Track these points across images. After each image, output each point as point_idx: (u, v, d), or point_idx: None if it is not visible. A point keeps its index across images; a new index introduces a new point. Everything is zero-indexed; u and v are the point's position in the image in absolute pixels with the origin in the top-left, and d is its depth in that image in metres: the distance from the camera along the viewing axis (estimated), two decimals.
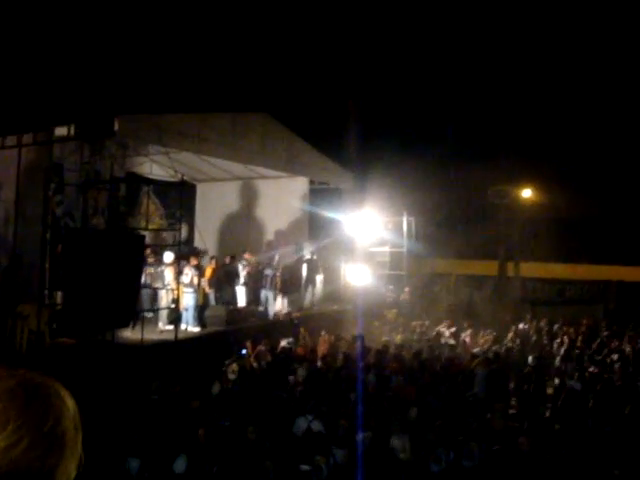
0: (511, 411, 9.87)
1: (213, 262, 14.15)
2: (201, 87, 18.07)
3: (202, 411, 8.76)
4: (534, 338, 15.21)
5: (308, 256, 16.25)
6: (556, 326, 16.42)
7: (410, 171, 22.06)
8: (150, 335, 11.53)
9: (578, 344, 14.14)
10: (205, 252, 14.95)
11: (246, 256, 14.62)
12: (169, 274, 12.31)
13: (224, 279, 14.00)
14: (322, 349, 12.83)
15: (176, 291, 12.15)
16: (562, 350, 13.49)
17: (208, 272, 13.73)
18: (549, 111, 22.81)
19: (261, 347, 11.94)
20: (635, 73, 21.48)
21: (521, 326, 16.41)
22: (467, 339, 15.03)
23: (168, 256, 12.45)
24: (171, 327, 12.01)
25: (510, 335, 15.34)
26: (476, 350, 13.70)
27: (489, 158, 23.34)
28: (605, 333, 15.35)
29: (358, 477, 6.43)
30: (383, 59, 22.93)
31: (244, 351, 11.65)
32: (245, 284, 14.39)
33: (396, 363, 11.81)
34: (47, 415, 0.98)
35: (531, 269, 23.69)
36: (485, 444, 7.54)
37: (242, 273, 14.33)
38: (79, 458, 1.04)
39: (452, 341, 14.70)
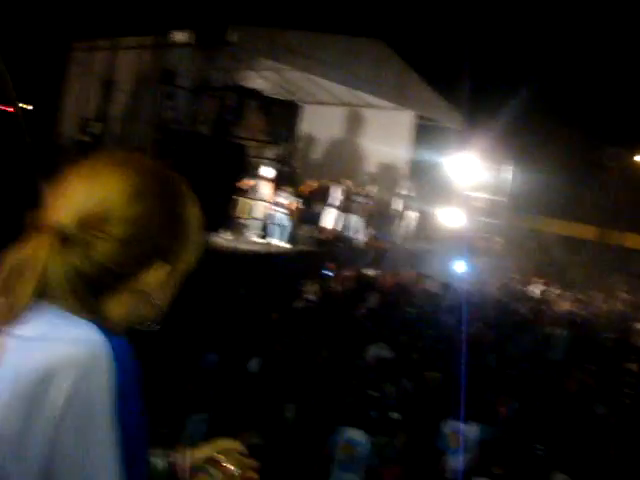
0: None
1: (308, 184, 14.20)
2: (318, 6, 17.79)
3: (281, 324, 9.01)
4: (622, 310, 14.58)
5: (405, 192, 16.06)
6: None
7: (522, 121, 21.15)
8: (242, 245, 11.84)
9: None
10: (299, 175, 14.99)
11: (345, 182, 14.54)
12: (266, 188, 12.49)
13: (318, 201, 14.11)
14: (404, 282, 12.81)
15: (270, 206, 12.36)
16: None
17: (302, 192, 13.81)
18: None
19: (347, 272, 12.05)
20: None
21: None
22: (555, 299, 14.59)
23: (267, 171, 12.60)
24: (262, 240, 12.29)
25: (601, 303, 14.79)
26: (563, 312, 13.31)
27: (610, 116, 22.02)
28: None
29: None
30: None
31: (330, 273, 11.80)
32: (337, 208, 14.38)
33: (478, 309, 11.66)
34: (178, 200, 1.10)
35: (636, 241, 22.51)
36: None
37: (336, 197, 14.34)
38: (198, 252, 1.14)
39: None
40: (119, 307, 1.05)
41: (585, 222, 23.28)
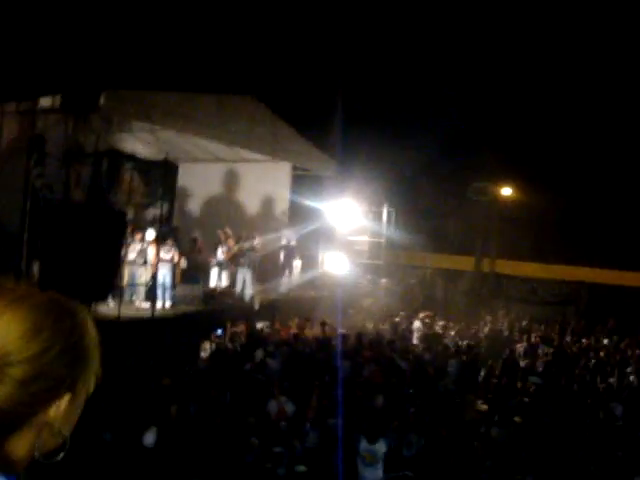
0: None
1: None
2: (189, 67, 17.93)
3: (174, 389, 8.82)
4: (506, 334, 15.48)
5: (287, 242, 16.30)
6: (524, 323, 16.68)
7: (392, 163, 22.17)
8: (127, 311, 11.51)
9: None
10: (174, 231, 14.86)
11: (227, 239, 14.52)
12: (151, 251, 12.29)
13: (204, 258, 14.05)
14: (297, 332, 12.93)
15: (154, 268, 12.16)
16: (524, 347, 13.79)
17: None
18: (534, 111, 22.98)
19: (235, 329, 12.02)
20: (615, 78, 21.73)
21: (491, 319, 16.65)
22: (440, 331, 15.25)
23: (150, 234, 12.41)
24: (147, 305, 12.03)
25: (484, 329, 15.60)
26: (449, 341, 13.93)
27: (472, 154, 23.55)
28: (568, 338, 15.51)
29: (337, 460, 6.59)
30: (370, 49, 22.91)
31: (219, 331, 11.73)
32: (219, 265, 14.35)
33: (370, 351, 11.98)
34: (75, 329, 1.07)
35: (506, 267, 24.02)
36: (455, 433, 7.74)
37: (219, 253, 14.32)
38: (98, 375, 1.12)
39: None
40: (22, 445, 1.02)
41: (460, 253, 24.57)
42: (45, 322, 1.04)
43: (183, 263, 13.27)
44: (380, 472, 7.05)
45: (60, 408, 1.05)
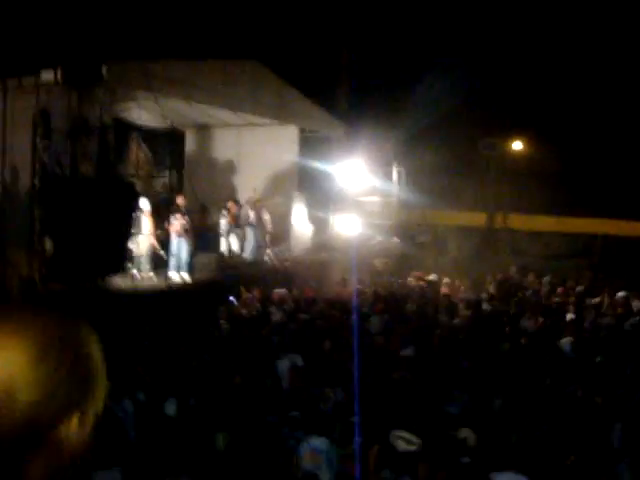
0: None
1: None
2: (190, 33, 17.70)
3: (192, 356, 8.93)
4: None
5: (297, 205, 16.29)
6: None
7: (400, 122, 21.98)
8: (140, 282, 11.63)
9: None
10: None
11: (229, 206, 14.51)
12: (145, 221, 12.25)
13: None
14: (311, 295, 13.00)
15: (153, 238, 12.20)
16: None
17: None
18: (542, 62, 22.58)
19: (247, 295, 12.09)
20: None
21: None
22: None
23: (144, 203, 12.31)
24: (151, 274, 12.13)
25: (491, 285, 15.49)
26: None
27: (480, 110, 23.26)
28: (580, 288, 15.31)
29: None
30: (376, 7, 22.49)
31: (231, 298, 11.82)
32: (227, 231, 14.39)
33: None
34: (80, 350, 1.10)
35: (519, 222, 23.91)
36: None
37: (223, 222, 14.35)
38: (105, 391, 1.14)
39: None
40: (36, 466, 1.04)
41: (472, 210, 24.49)
42: (51, 346, 1.06)
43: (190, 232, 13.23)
44: None
45: (70, 427, 1.07)
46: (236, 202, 14.92)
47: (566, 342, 9.89)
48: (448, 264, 18.99)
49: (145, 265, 12.35)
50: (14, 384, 1.01)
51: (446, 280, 15.10)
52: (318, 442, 5.73)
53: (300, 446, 5.73)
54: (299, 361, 8.67)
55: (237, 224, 14.57)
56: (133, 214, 12.18)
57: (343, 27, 21.97)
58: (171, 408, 7.05)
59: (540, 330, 11.03)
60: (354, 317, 9.90)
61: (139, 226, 12.18)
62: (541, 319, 11.65)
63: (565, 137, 22.54)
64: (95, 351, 1.13)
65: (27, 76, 11.61)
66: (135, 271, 12.21)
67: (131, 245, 12.11)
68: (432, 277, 15.45)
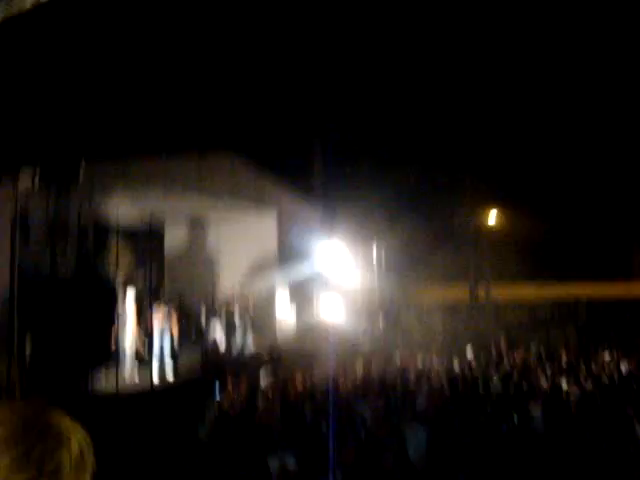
0: None
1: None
2: (164, 128, 18.07)
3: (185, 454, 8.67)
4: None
5: (280, 290, 16.27)
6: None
7: (378, 201, 22.26)
8: (123, 383, 11.36)
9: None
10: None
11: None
12: (131, 318, 12.12)
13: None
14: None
15: (140, 337, 12.05)
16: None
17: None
18: (515, 133, 23.18)
19: (230, 390, 11.85)
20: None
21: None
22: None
23: (129, 300, 12.23)
24: (146, 374, 11.91)
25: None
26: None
27: (455, 183, 23.72)
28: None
29: None
30: (347, 90, 23.12)
31: (217, 393, 11.60)
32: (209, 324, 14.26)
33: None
34: (51, 455, 1.10)
35: (502, 291, 23.90)
36: None
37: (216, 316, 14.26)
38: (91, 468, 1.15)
39: None
40: None
41: (454, 284, 24.50)
42: (19, 443, 1.06)
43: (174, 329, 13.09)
44: None
45: None
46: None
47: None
48: (437, 343, 18.78)
49: (131, 362, 12.14)
50: None
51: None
52: None
53: None
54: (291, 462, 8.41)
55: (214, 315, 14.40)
56: (117, 312, 12.09)
57: (316, 111, 22.48)
58: None
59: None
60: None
61: (124, 323, 12.06)
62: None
63: (540, 203, 22.91)
64: (78, 436, 1.13)
65: (5, 182, 11.72)
66: (122, 368, 12.00)
67: (116, 343, 11.95)
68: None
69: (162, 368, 12.31)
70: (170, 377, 12.34)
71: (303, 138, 22.34)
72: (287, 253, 17.58)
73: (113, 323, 11.60)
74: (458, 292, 24.18)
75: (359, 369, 14.70)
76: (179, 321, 13.45)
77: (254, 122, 21.66)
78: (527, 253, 22.94)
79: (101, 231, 12.22)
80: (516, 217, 23.94)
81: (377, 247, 20.85)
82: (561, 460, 7.78)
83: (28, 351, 10.87)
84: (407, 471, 7.96)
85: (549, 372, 13.66)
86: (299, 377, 13.34)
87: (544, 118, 22.75)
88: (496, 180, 23.17)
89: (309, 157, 22.42)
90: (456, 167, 23.83)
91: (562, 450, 8.18)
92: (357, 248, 20.15)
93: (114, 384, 10.85)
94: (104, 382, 11.18)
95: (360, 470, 7.89)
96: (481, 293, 24.24)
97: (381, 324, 19.42)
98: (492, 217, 24.57)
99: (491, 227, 24.51)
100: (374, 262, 20.67)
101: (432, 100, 22.94)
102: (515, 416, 10.08)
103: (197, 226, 17.58)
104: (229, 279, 17.08)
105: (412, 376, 13.65)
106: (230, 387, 11.99)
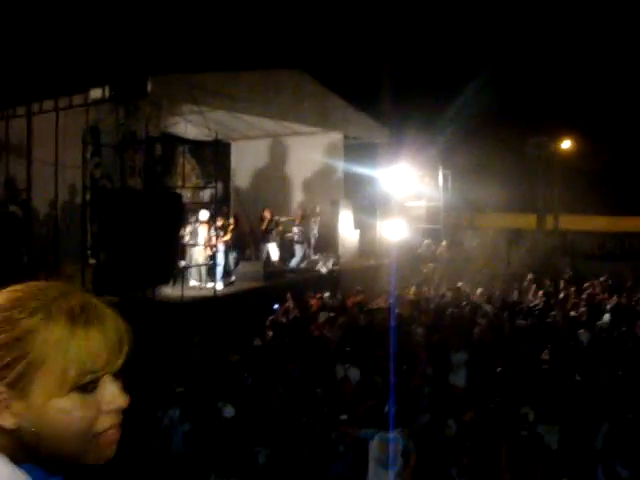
0: None
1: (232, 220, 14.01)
2: (233, 44, 17.99)
3: (242, 364, 9.01)
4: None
5: (344, 211, 16.30)
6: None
7: (446, 124, 21.74)
8: (189, 292, 11.79)
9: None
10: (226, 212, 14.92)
11: (266, 213, 14.52)
12: (203, 232, 12.47)
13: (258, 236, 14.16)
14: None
15: (208, 248, 12.39)
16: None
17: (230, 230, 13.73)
18: (590, 59, 22.07)
19: (288, 303, 12.13)
20: None
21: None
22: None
23: (204, 214, 12.58)
24: (207, 284, 12.32)
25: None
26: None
27: (527, 110, 22.89)
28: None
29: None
30: (418, 12, 22.41)
31: (276, 306, 11.90)
32: (265, 240, 14.46)
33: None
34: (15, 331, 1.01)
35: (571, 222, 23.32)
36: None
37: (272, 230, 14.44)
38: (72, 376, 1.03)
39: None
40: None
41: (522, 211, 24.03)
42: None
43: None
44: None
45: (16, 410, 0.99)
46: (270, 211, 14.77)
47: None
48: (500, 268, 18.56)
49: (202, 275, 12.56)
50: None
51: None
52: (387, 435, 5.97)
53: (370, 438, 6.05)
54: (355, 373, 8.63)
55: (269, 231, 14.49)
56: (190, 225, 12.46)
57: (385, 34, 21.91)
58: (229, 412, 7.14)
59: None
60: (393, 325, 9.78)
61: (196, 237, 12.43)
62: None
63: (613, 134, 21.96)
64: (117, 322, 1.09)
65: (77, 94, 12.00)
66: (194, 281, 12.46)
67: (188, 255, 12.38)
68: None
69: (226, 279, 12.70)
70: (232, 288, 12.71)
71: (372, 62, 21.86)
72: (352, 174, 17.52)
73: (180, 234, 11.95)
74: (525, 219, 23.70)
75: (419, 290, 14.77)
76: (243, 235, 13.75)
77: (325, 43, 21.29)
78: (597, 185, 22.13)
79: (169, 144, 12.41)
80: (588, 148, 23.03)
81: (443, 173, 20.47)
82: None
83: (101, 259, 11.37)
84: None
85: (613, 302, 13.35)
86: (359, 295, 13.55)
87: (621, 50, 21.50)
88: (570, 109, 22.23)
89: (379, 81, 21.96)
90: (530, 95, 22.93)
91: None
92: (423, 173, 19.89)
93: (179, 292, 11.27)
94: (170, 291, 11.63)
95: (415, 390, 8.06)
96: (549, 222, 23.69)
97: (444, 246, 19.24)
98: (563, 147, 23.66)
99: (561, 157, 23.63)
100: (439, 187, 20.35)
101: (506, 24, 22.01)
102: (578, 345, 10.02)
103: (263, 142, 17.63)
104: (294, 196, 17.21)
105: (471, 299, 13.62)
106: (290, 301, 12.31)
